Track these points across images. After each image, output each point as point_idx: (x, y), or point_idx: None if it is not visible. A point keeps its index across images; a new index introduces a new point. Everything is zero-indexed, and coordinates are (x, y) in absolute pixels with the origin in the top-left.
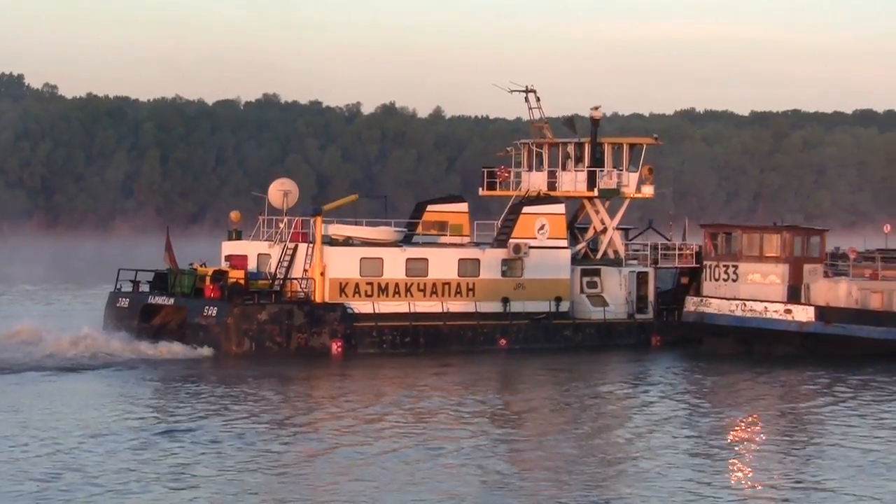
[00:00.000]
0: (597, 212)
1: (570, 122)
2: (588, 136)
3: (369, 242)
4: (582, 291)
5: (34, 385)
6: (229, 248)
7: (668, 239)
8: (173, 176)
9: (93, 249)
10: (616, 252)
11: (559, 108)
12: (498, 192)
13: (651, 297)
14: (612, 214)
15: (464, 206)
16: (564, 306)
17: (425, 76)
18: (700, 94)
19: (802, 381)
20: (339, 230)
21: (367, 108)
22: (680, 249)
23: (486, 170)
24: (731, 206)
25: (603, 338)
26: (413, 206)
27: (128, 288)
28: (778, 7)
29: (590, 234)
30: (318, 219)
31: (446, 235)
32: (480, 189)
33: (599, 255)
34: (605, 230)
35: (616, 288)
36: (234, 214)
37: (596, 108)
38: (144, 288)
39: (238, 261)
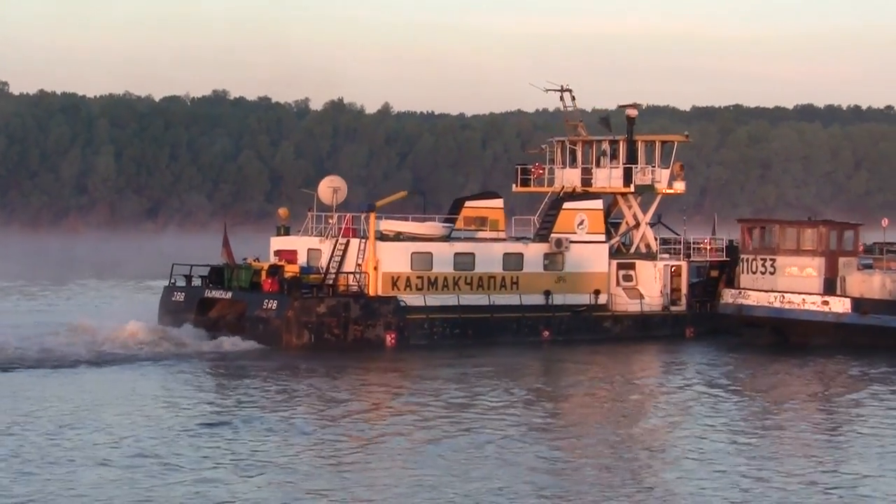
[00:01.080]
0: (629, 207)
1: (606, 121)
2: (622, 134)
3: (419, 238)
4: (618, 284)
5: (114, 376)
6: (278, 243)
7: (676, 234)
8: (127, 172)
9: (59, 246)
10: (648, 246)
11: (489, 104)
12: (532, 189)
13: (684, 289)
14: (643, 210)
15: (499, 203)
16: (603, 299)
17: (372, 71)
18: (640, 88)
19: (840, 370)
20: (389, 226)
21: (316, 104)
22: (709, 244)
23: (519, 167)
24: (679, 200)
25: (640, 329)
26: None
27: (181, 282)
28: (713, 2)
29: (622, 228)
30: (373, 215)
31: (485, 231)
32: (514, 185)
33: (633, 250)
34: (637, 225)
35: (651, 281)
36: (282, 211)
37: (632, 107)
38: (195, 282)
39: (288, 256)
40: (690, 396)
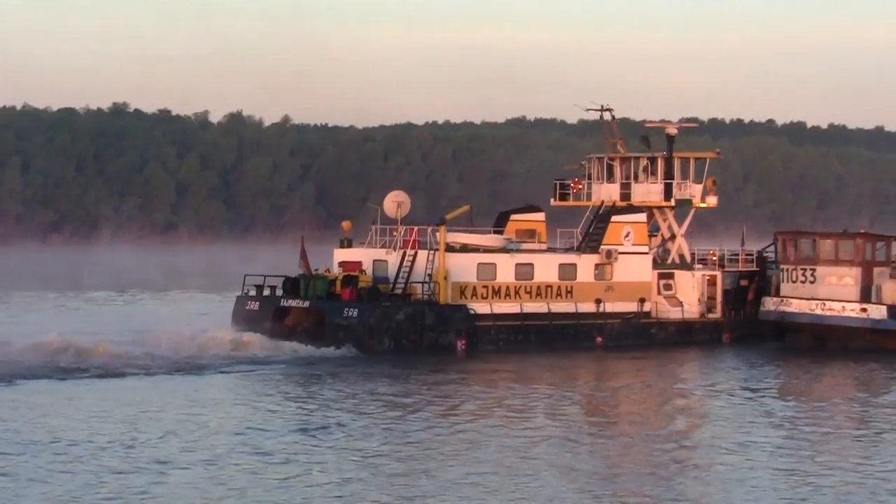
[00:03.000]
0: (665, 220)
1: (646, 139)
2: (661, 151)
3: (483, 249)
4: (659, 293)
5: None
6: (342, 254)
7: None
8: (34, 184)
9: None
10: (682, 256)
11: (383, 117)
12: (570, 203)
13: (719, 297)
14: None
15: (541, 216)
16: (647, 306)
17: (271, 84)
18: (526, 101)
19: (879, 372)
20: (455, 238)
21: (215, 117)
22: (740, 255)
23: (558, 182)
24: (577, 212)
25: (682, 335)
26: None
27: (253, 292)
28: (592, 12)
29: (658, 240)
30: (443, 228)
31: (534, 242)
32: (552, 199)
33: (670, 260)
34: (673, 237)
35: (689, 289)
36: (345, 224)
37: (672, 125)
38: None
39: (352, 266)
40: (739, 396)
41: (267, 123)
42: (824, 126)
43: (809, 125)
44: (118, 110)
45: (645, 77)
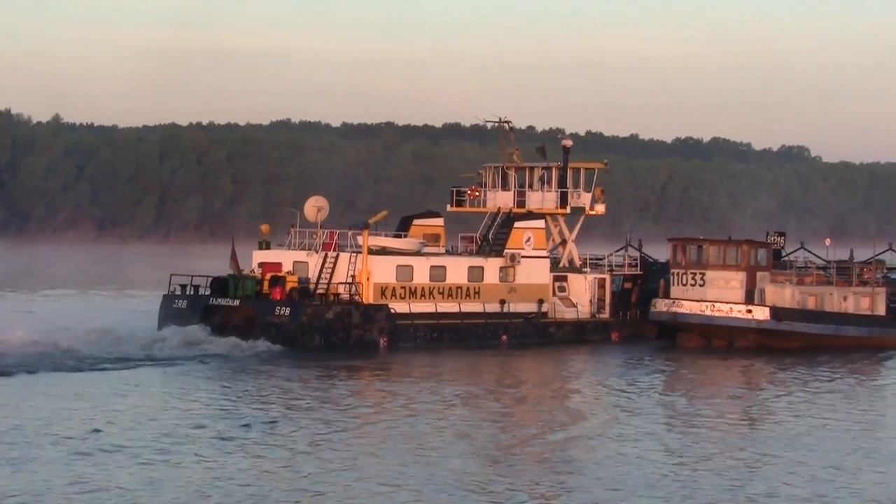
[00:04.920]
0: (556, 226)
1: (542, 150)
2: (556, 162)
3: (401, 252)
4: (554, 294)
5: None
6: (261, 256)
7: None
8: None
9: None
10: (571, 261)
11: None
12: (466, 209)
13: (608, 299)
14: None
15: (440, 221)
16: (545, 307)
17: (42, 82)
18: (291, 105)
19: (761, 368)
20: (374, 241)
21: None
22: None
23: (454, 189)
24: (350, 217)
25: (577, 334)
26: None
27: (179, 291)
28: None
29: (550, 245)
30: (366, 232)
31: (439, 245)
32: (448, 206)
33: (562, 264)
34: (564, 242)
35: (582, 291)
36: (264, 227)
37: (566, 138)
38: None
39: (272, 268)
40: (633, 390)
41: (35, 122)
42: (582, 133)
43: (568, 131)
44: None
45: (410, 83)
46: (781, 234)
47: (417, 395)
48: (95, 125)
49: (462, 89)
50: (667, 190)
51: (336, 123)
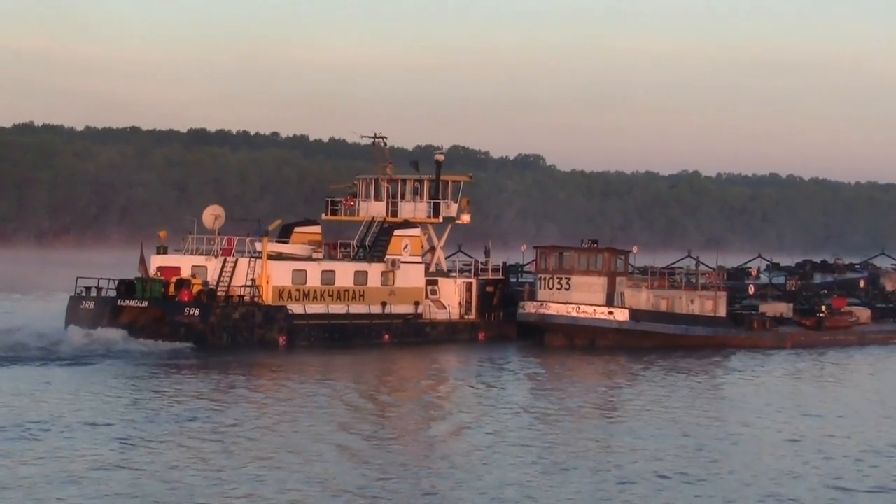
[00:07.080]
0: (426, 234)
1: (416, 164)
2: (428, 174)
3: (295, 257)
4: (427, 297)
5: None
6: (160, 260)
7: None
8: None
9: None
10: (438, 266)
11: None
12: (341, 217)
13: (475, 301)
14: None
15: (318, 228)
16: (420, 309)
17: None
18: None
19: (622, 364)
20: (271, 247)
21: None
22: (485, 265)
23: (329, 199)
24: (100, 220)
25: (449, 333)
26: None
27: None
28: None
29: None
30: (265, 239)
31: (318, 251)
32: (323, 214)
33: (431, 269)
34: (433, 249)
35: (452, 295)
36: (162, 233)
37: (440, 153)
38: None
39: (170, 272)
40: (500, 385)
41: None
42: (325, 140)
43: (312, 138)
44: None
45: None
46: (594, 242)
47: (310, 391)
48: None
49: (205, 96)
50: None
51: (80, 127)
